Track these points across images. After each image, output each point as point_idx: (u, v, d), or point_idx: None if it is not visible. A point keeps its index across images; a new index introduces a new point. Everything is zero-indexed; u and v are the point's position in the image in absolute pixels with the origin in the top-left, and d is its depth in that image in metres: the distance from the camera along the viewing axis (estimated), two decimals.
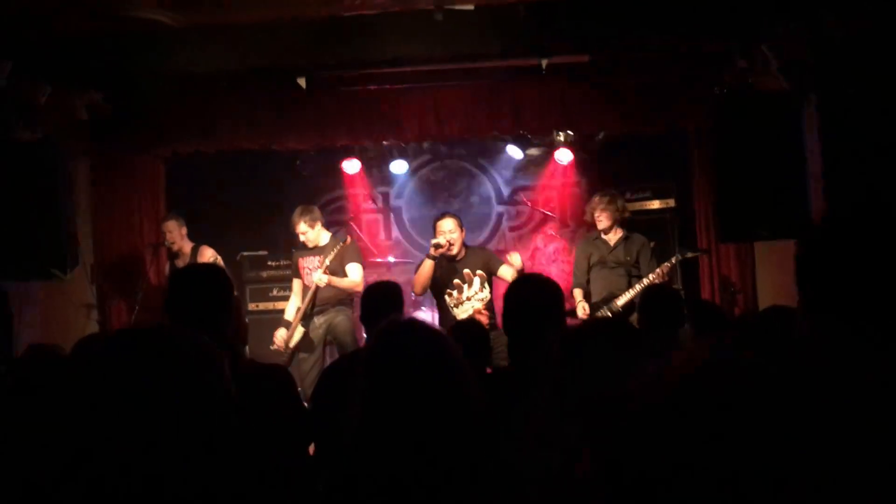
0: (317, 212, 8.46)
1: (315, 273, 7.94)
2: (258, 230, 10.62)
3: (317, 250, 8.22)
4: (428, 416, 2.30)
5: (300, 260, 8.29)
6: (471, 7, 6.82)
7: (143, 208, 9.20)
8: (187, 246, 8.62)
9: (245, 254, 10.04)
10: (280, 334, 8.10)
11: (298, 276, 8.31)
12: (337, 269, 8.02)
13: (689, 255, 8.08)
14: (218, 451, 1.46)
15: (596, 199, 8.21)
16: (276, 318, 9.10)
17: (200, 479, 1.41)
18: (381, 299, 4.91)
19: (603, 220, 8.04)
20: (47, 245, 6.70)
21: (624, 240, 8.03)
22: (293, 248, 8.62)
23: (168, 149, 9.17)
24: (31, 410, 2.89)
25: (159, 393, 1.42)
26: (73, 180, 7.17)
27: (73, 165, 7.31)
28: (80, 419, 1.44)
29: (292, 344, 8.02)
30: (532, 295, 3.60)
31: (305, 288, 8.20)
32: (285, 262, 9.85)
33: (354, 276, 8.05)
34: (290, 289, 8.63)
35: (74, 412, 1.46)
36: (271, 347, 8.08)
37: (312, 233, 8.23)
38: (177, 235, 8.59)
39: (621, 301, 7.68)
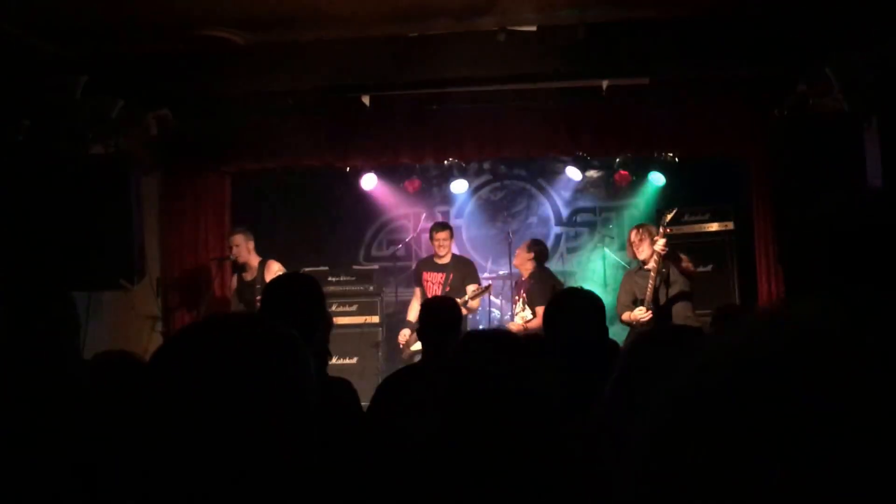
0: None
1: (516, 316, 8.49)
2: (319, 246, 10.77)
3: (441, 267, 8.72)
4: (507, 423, 2.32)
5: (424, 273, 8.84)
6: (533, 29, 6.88)
7: (208, 223, 9.34)
8: (254, 260, 8.73)
9: (306, 269, 10.18)
10: (404, 333, 8.71)
11: (419, 285, 8.91)
12: (459, 288, 8.45)
13: (668, 217, 7.73)
14: (295, 454, 1.41)
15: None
16: (337, 333, 9.28)
17: (276, 481, 1.37)
18: (439, 315, 4.96)
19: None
20: (116, 256, 6.81)
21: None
22: (421, 261, 9.29)
23: (234, 165, 9.35)
24: (108, 416, 2.95)
25: (242, 383, 1.37)
26: (142, 194, 7.30)
27: (142, 179, 7.46)
28: (162, 415, 1.38)
29: (413, 348, 8.45)
30: (576, 307, 3.59)
31: (426, 297, 8.58)
32: (346, 278, 10.00)
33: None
34: (349, 304, 9.42)
35: (155, 409, 1.40)
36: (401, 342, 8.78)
37: (448, 243, 8.76)
38: (244, 250, 8.69)
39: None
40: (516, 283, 9.02)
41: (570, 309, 3.58)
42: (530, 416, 2.38)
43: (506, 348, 2.52)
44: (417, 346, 8.36)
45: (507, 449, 2.31)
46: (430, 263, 8.90)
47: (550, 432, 2.39)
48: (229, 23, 6.73)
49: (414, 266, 9.74)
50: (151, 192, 8.80)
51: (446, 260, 8.78)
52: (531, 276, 8.62)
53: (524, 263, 8.70)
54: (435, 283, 8.71)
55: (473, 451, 2.31)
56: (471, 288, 8.60)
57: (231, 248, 8.74)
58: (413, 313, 8.79)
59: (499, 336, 2.60)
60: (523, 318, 8.35)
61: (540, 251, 8.76)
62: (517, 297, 8.57)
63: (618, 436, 2.20)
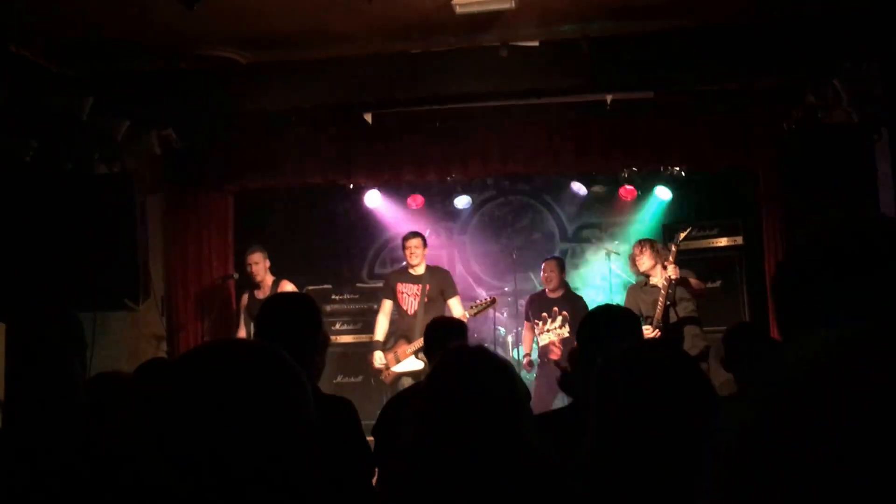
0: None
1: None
2: (322, 264, 10.74)
3: (416, 278, 8.31)
4: (482, 440, 2.30)
5: (399, 284, 8.37)
6: (535, 44, 6.87)
7: (212, 242, 9.32)
8: (269, 279, 8.67)
9: (310, 288, 10.16)
10: (379, 357, 8.16)
11: (392, 298, 8.41)
12: (437, 299, 8.19)
13: (682, 235, 7.69)
14: (296, 476, 1.39)
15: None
16: (340, 352, 9.23)
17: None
18: (445, 334, 4.92)
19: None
20: (121, 277, 6.77)
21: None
22: (393, 272, 8.88)
23: (238, 183, 9.33)
24: (102, 435, 2.94)
25: (241, 407, 1.36)
26: (146, 213, 7.29)
27: (146, 199, 7.45)
28: (161, 435, 1.37)
29: (399, 369, 8.05)
30: (608, 324, 3.51)
31: (401, 310, 8.33)
32: (349, 296, 9.96)
33: (458, 310, 8.20)
34: (352, 322, 8.87)
35: (152, 431, 1.39)
36: (378, 368, 8.19)
37: (420, 251, 8.34)
38: (262, 268, 8.65)
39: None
40: (535, 298, 8.89)
41: (613, 325, 3.52)
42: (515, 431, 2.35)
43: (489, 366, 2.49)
44: (401, 366, 8.10)
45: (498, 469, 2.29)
46: (404, 274, 8.45)
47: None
48: (231, 42, 6.74)
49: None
50: (155, 210, 8.76)
51: (421, 270, 8.35)
52: (567, 293, 8.71)
53: (556, 279, 8.67)
54: (411, 295, 8.28)
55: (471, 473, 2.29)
56: (452, 302, 8.33)
57: (250, 265, 8.66)
58: (381, 332, 8.40)
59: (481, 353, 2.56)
60: (559, 333, 8.23)
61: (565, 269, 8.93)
62: (546, 314, 8.38)
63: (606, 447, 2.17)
